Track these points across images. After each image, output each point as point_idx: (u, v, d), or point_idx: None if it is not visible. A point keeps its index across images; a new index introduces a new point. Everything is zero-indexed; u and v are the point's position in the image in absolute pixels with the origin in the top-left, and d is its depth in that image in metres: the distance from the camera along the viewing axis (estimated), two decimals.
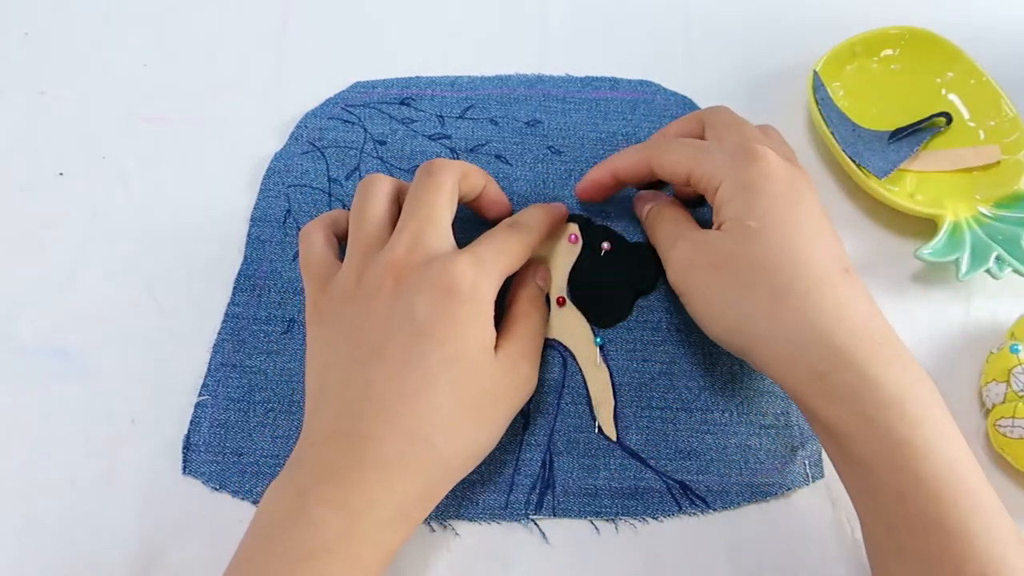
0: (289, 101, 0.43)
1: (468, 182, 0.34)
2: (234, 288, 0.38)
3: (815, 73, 0.41)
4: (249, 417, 0.36)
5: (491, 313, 0.31)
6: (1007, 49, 0.44)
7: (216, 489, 0.34)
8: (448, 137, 0.42)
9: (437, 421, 0.28)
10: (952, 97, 0.42)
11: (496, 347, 0.31)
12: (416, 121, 0.42)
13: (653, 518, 0.34)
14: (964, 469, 0.27)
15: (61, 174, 0.41)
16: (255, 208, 0.40)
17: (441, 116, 0.42)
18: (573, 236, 0.38)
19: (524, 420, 0.36)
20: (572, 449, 0.35)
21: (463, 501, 0.34)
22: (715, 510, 0.34)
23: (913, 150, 0.40)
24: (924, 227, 0.39)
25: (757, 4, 0.46)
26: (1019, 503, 0.34)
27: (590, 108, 0.42)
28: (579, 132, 0.42)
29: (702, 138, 0.35)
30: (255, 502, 0.34)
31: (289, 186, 0.41)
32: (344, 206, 0.40)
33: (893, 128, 0.41)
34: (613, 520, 0.34)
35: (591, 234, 0.38)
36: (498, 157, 0.41)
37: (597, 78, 0.43)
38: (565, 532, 0.34)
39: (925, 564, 0.26)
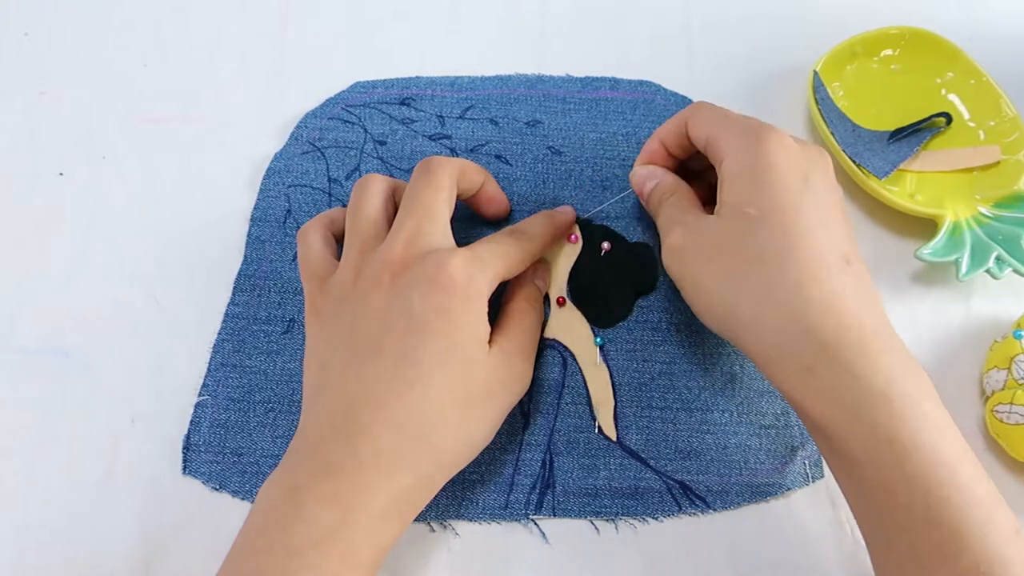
0: (289, 101, 0.43)
1: (466, 179, 0.34)
2: (234, 288, 0.38)
3: (815, 73, 0.41)
4: (249, 417, 0.36)
5: (485, 309, 0.31)
6: (1007, 49, 0.44)
7: (216, 489, 0.34)
8: (448, 137, 0.42)
9: (430, 415, 0.28)
10: (952, 97, 0.42)
11: (491, 343, 0.31)
12: (416, 121, 0.42)
13: (653, 518, 0.34)
14: (956, 463, 0.26)
15: (61, 174, 0.41)
16: (255, 208, 0.40)
17: (441, 116, 0.42)
18: (573, 236, 0.38)
19: (524, 420, 0.36)
20: (572, 449, 0.35)
21: (463, 501, 0.34)
22: (715, 510, 0.34)
23: (913, 150, 0.40)
24: (924, 227, 0.39)
25: (757, 4, 0.46)
26: (1014, 490, 0.35)
27: (590, 108, 0.42)
28: (579, 132, 0.42)
29: None
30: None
31: (289, 186, 0.41)
32: (344, 206, 0.40)
33: (893, 128, 0.41)
34: (613, 520, 0.34)
35: (591, 234, 0.38)
36: (498, 157, 0.41)
37: (597, 78, 0.43)
38: (565, 532, 0.34)
39: (919, 560, 0.26)
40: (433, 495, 0.30)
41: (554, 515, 0.34)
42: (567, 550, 0.34)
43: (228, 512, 0.34)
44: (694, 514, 0.34)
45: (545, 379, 0.36)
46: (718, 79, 0.44)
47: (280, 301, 0.38)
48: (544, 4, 0.46)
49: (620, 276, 0.38)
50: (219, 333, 0.37)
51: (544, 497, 0.34)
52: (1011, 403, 0.34)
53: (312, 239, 0.34)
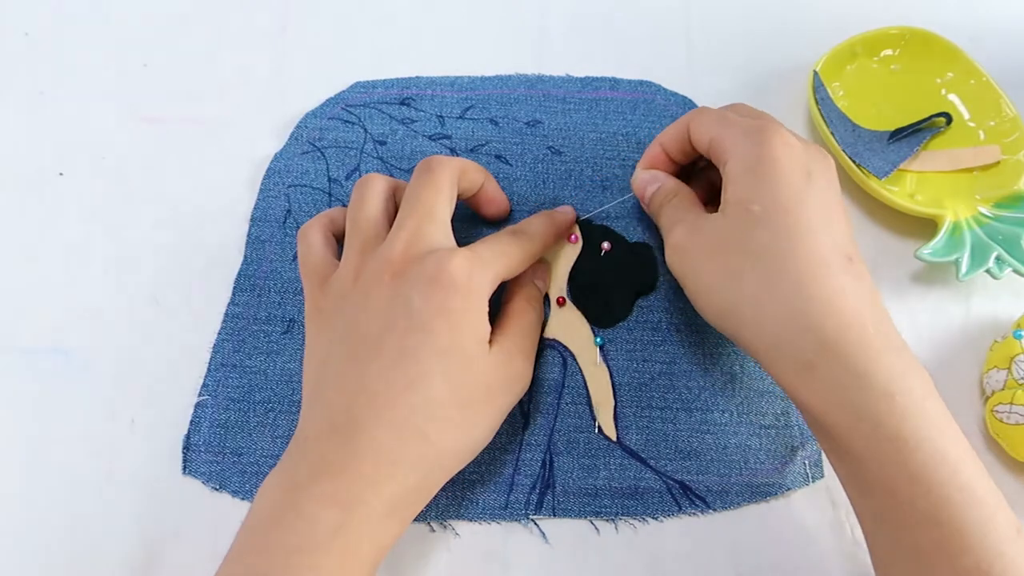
0: (289, 101, 0.43)
1: (467, 178, 0.34)
2: (234, 288, 0.38)
3: (815, 73, 0.41)
4: (249, 417, 0.36)
5: (486, 308, 0.31)
6: (1007, 49, 0.44)
7: (216, 489, 0.34)
8: (448, 137, 0.42)
9: (430, 413, 0.28)
10: (952, 97, 0.42)
11: (491, 342, 0.31)
12: (416, 121, 0.42)
13: (653, 518, 0.34)
14: (958, 462, 0.26)
15: (61, 174, 0.41)
16: (255, 208, 0.40)
17: (441, 116, 0.42)
18: (573, 236, 0.38)
19: (524, 420, 0.36)
20: (572, 449, 0.35)
21: (463, 501, 0.34)
22: (715, 510, 0.34)
23: (913, 150, 0.40)
24: (924, 227, 0.39)
25: (757, 4, 0.46)
26: (1014, 490, 0.35)
27: (590, 108, 0.42)
28: (579, 132, 0.42)
29: None
30: None
31: (289, 186, 0.41)
32: (344, 206, 0.40)
33: (893, 128, 0.41)
34: (613, 520, 0.34)
35: (591, 234, 0.38)
36: (498, 157, 0.41)
37: (597, 78, 0.43)
38: (565, 532, 0.34)
39: (919, 558, 0.26)
40: (433, 495, 0.30)
41: (554, 515, 0.34)
42: (567, 550, 0.34)
43: (228, 512, 0.34)
44: (694, 514, 0.34)
45: (545, 379, 0.36)
46: (718, 79, 0.44)
47: (280, 301, 0.38)
48: (544, 4, 0.46)
49: (620, 276, 0.38)
50: (219, 333, 0.37)
51: (544, 497, 0.34)
52: (1011, 403, 0.34)
53: (312, 239, 0.34)
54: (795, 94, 0.43)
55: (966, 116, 0.42)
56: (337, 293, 0.31)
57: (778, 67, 0.44)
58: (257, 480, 0.34)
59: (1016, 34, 0.45)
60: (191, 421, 0.36)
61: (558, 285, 0.38)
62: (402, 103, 0.43)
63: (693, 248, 0.32)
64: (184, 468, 0.35)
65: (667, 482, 0.35)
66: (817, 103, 0.41)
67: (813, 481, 0.35)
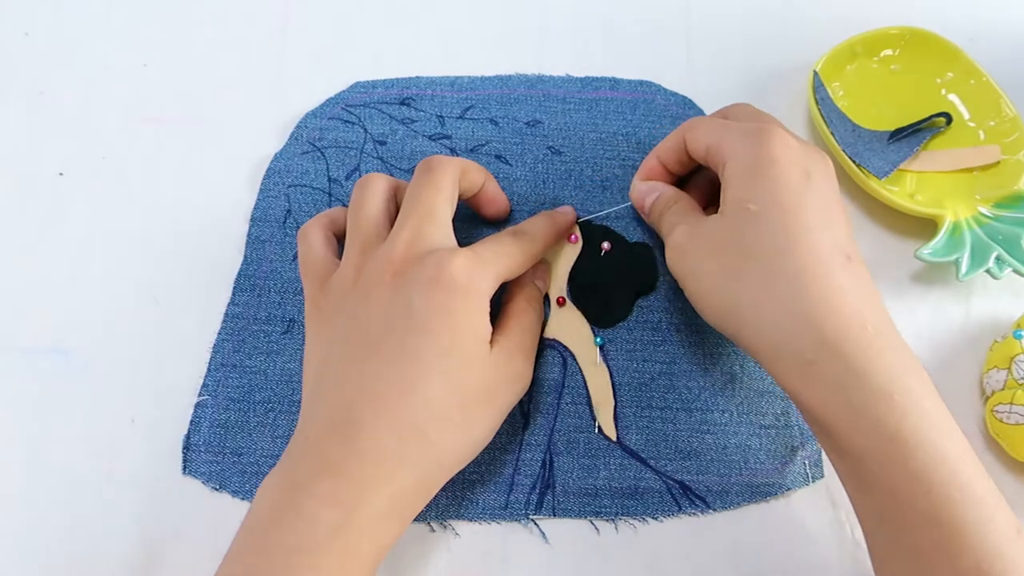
0: (289, 101, 0.43)
1: (467, 179, 0.34)
2: (234, 288, 0.38)
3: (815, 73, 0.41)
4: (249, 417, 0.36)
5: (487, 308, 0.31)
6: (1007, 49, 0.44)
7: (216, 489, 0.34)
8: (448, 137, 0.42)
9: (430, 413, 0.28)
10: (952, 97, 0.42)
11: (491, 342, 0.31)
12: (416, 121, 0.42)
13: (653, 518, 0.34)
14: (957, 462, 0.26)
15: (61, 174, 0.41)
16: (255, 208, 0.40)
17: (441, 116, 0.42)
18: (573, 236, 0.38)
19: (524, 420, 0.36)
20: (572, 449, 0.35)
21: (463, 501, 0.34)
22: (715, 510, 0.34)
23: (913, 150, 0.40)
24: (924, 227, 0.39)
25: (757, 4, 0.46)
26: (1014, 490, 0.35)
27: (590, 108, 0.42)
28: (579, 132, 0.42)
29: None
30: None
31: (289, 186, 0.41)
32: (344, 206, 0.40)
33: (893, 128, 0.41)
34: (613, 520, 0.34)
35: (591, 234, 0.38)
36: (498, 157, 0.41)
37: (597, 78, 0.43)
38: (565, 532, 0.34)
39: (919, 558, 0.26)
40: (433, 495, 0.30)
41: (554, 515, 0.34)
42: (567, 550, 0.34)
43: (228, 512, 0.34)
44: (694, 514, 0.34)
45: (545, 379, 0.36)
46: (718, 79, 0.44)
47: (280, 301, 0.38)
48: (544, 4, 0.46)
49: (620, 276, 0.38)
50: (219, 333, 0.37)
51: (544, 497, 0.34)
52: (1011, 403, 0.34)
53: (313, 238, 0.34)
54: (795, 94, 0.43)
55: (966, 116, 0.42)
56: (337, 293, 0.31)
57: (778, 67, 0.44)
58: (257, 480, 0.34)
59: (1016, 34, 0.45)
60: (191, 421, 0.36)
61: (558, 285, 0.38)
62: (402, 103, 0.43)
63: (693, 249, 0.32)
64: (184, 468, 0.35)
65: (667, 482, 0.35)
66: (817, 103, 0.41)
67: (813, 481, 0.35)
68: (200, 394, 0.36)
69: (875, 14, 0.43)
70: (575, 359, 0.37)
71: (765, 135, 0.31)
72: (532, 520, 0.34)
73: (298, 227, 0.39)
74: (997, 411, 0.34)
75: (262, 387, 0.36)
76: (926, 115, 0.41)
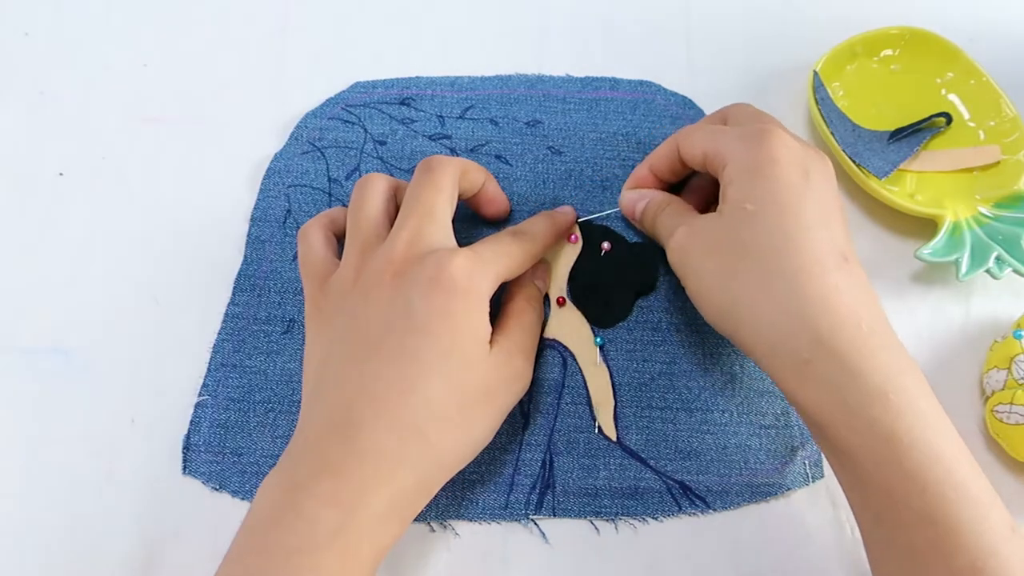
0: (289, 101, 0.43)
1: (467, 179, 0.34)
2: (234, 288, 0.38)
3: (815, 73, 0.41)
4: (249, 417, 0.36)
5: (487, 308, 0.31)
6: (1007, 49, 0.44)
7: (216, 489, 0.34)
8: (448, 137, 0.42)
9: (430, 413, 0.28)
10: (952, 97, 0.42)
11: (491, 342, 0.31)
12: (416, 121, 0.42)
13: (653, 518, 0.34)
14: (952, 461, 0.26)
15: (61, 174, 0.41)
16: (255, 208, 0.40)
17: (441, 116, 0.42)
18: (573, 236, 0.38)
19: (524, 420, 0.36)
20: (572, 449, 0.35)
21: (463, 501, 0.34)
22: (715, 510, 0.34)
23: (913, 150, 0.40)
24: (924, 227, 0.39)
25: (757, 4, 0.46)
26: (1014, 491, 0.35)
27: (590, 108, 0.42)
28: (579, 132, 0.42)
29: None
30: None
31: (289, 186, 0.41)
32: (344, 206, 0.40)
33: (893, 128, 0.41)
34: (613, 520, 0.34)
35: (591, 234, 0.38)
36: (498, 157, 0.41)
37: (597, 78, 0.43)
38: (565, 532, 0.34)
39: (914, 557, 0.26)
40: (433, 495, 0.30)
41: (554, 515, 0.34)
42: (567, 550, 0.34)
43: (228, 512, 0.34)
44: (694, 514, 0.34)
45: (545, 379, 0.36)
46: (718, 79, 0.44)
47: (280, 301, 0.38)
48: (544, 4, 0.46)
49: (620, 276, 0.38)
50: (219, 333, 0.37)
51: (544, 497, 0.34)
52: (1011, 403, 0.34)
53: (313, 238, 0.34)
54: (795, 94, 0.43)
55: (966, 116, 0.42)
56: (337, 293, 0.31)
57: (778, 67, 0.44)
58: (257, 480, 0.34)
59: (1016, 34, 0.45)
60: (191, 421, 0.36)
61: (558, 285, 0.38)
62: (402, 103, 0.43)
63: (694, 248, 0.32)
64: (184, 468, 0.35)
65: (667, 482, 0.35)
66: (817, 103, 0.41)
67: (813, 481, 0.35)
68: (200, 394, 0.36)
69: (875, 14, 0.43)
70: (575, 359, 0.37)
71: (765, 136, 0.31)
72: (532, 520, 0.34)
73: (298, 227, 0.39)
74: (997, 411, 0.34)
75: (262, 387, 0.36)
76: (926, 115, 0.41)
